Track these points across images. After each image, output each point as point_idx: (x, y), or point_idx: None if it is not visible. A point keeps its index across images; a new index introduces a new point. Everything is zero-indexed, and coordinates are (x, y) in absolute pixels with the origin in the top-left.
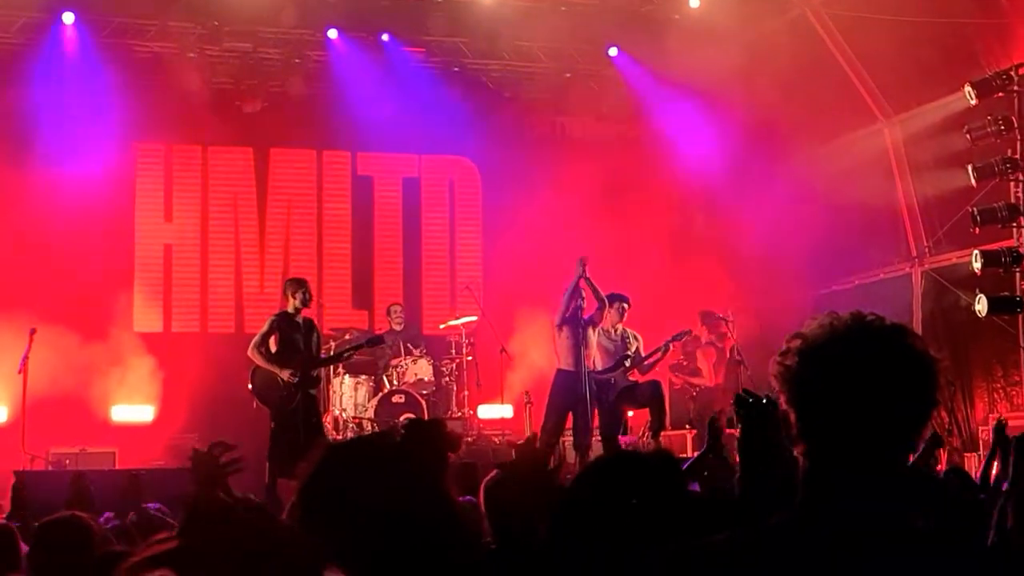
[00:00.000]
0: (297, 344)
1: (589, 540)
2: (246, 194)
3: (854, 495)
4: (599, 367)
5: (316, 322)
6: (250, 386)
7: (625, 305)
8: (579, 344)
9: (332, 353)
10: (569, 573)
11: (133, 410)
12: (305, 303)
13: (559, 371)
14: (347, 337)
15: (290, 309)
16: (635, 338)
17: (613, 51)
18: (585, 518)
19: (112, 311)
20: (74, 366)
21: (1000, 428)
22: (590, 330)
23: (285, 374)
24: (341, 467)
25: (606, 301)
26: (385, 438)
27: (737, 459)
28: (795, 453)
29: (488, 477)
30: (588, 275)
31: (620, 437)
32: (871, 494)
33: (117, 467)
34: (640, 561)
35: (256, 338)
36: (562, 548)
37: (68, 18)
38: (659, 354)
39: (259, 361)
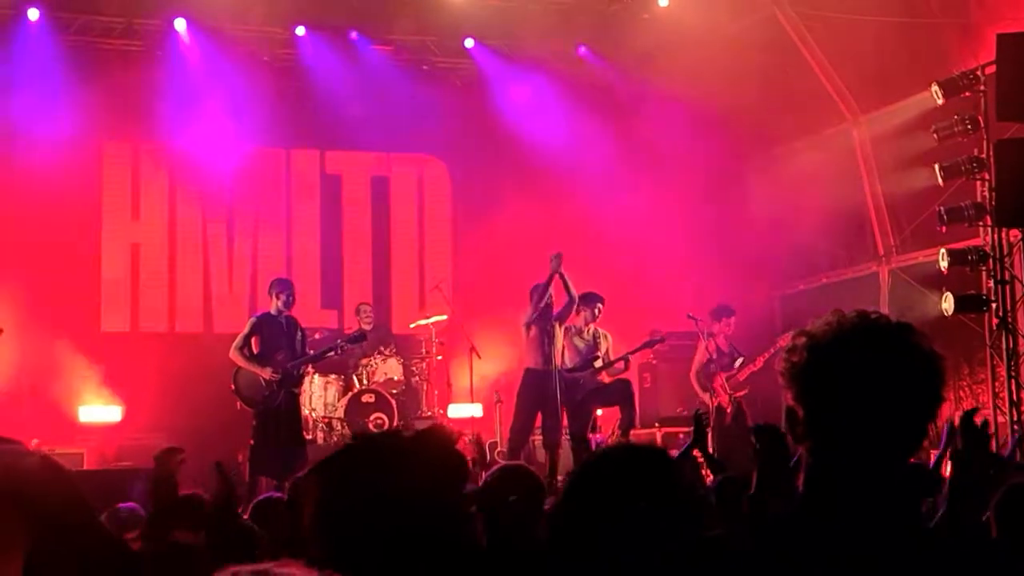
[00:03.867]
0: (279, 344)
1: (591, 536)
2: (214, 193)
3: (860, 491)
4: (568, 366)
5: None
6: (232, 387)
7: (600, 305)
8: (548, 342)
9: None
10: (571, 569)
11: (100, 410)
12: (288, 305)
13: (527, 370)
14: (316, 336)
15: (272, 310)
16: (605, 338)
17: (582, 49)
18: (586, 514)
19: (79, 310)
20: (41, 366)
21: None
22: (557, 327)
23: (266, 373)
24: (376, 459)
25: (576, 298)
26: (437, 432)
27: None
28: (801, 449)
29: (488, 474)
30: (563, 271)
31: (589, 435)
32: (877, 490)
33: (85, 467)
34: (644, 557)
35: (238, 339)
36: (563, 545)
37: (33, 14)
38: (620, 363)
39: (241, 362)
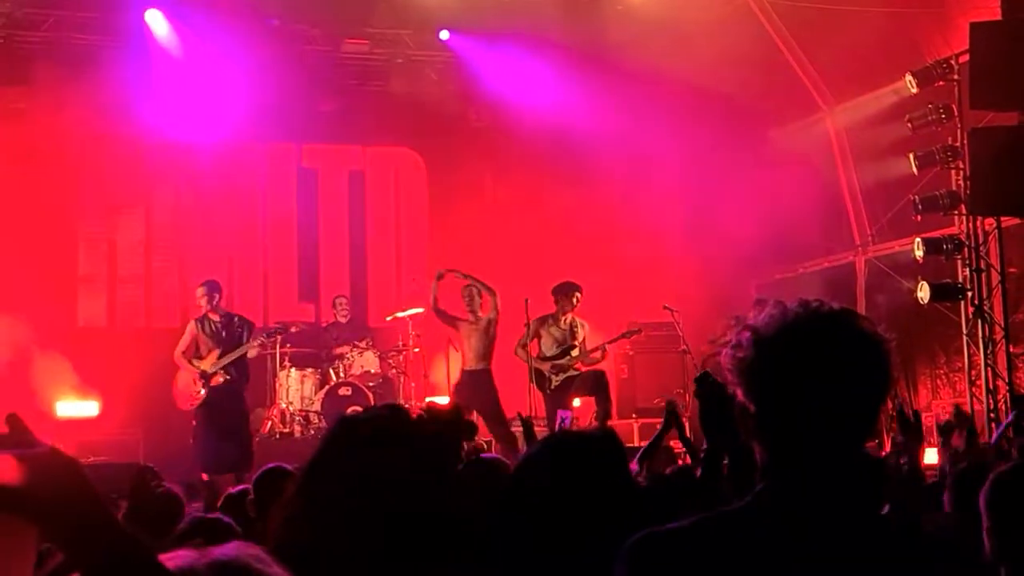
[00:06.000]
0: (213, 343)
1: (537, 523)
2: (190, 188)
3: (816, 483)
4: (546, 354)
5: (244, 317)
6: (172, 388)
7: (578, 294)
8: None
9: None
10: (518, 557)
11: (77, 405)
12: (206, 303)
13: (486, 370)
14: (292, 330)
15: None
16: (582, 326)
17: (555, 39)
18: (531, 501)
19: (55, 305)
20: (17, 361)
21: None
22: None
23: (194, 372)
24: (361, 439)
25: (492, 290)
26: (404, 414)
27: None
28: (753, 444)
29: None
30: (466, 272)
31: (559, 412)
32: (834, 481)
33: None
34: (603, 548)
35: (180, 343)
36: (510, 532)
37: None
38: (597, 353)
39: (180, 364)
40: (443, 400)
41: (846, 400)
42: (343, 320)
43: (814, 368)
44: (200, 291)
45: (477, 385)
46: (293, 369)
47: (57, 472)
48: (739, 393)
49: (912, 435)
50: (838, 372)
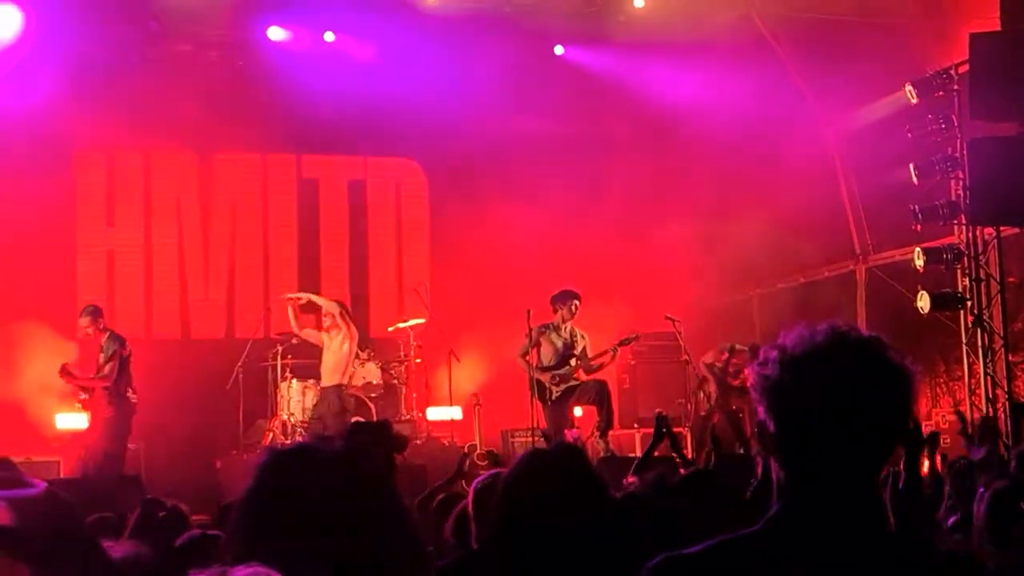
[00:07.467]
0: None
1: (525, 537)
2: (189, 199)
3: (832, 505)
4: (544, 364)
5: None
6: None
7: (576, 302)
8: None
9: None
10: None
11: (77, 418)
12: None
13: (334, 387)
14: (293, 341)
15: None
16: (582, 337)
17: (559, 50)
18: (514, 515)
19: (54, 318)
20: (17, 374)
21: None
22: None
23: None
24: (285, 475)
25: (331, 303)
26: (329, 442)
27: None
28: (771, 462)
29: (479, 478)
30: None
31: (566, 431)
32: (850, 503)
33: (61, 476)
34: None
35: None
36: (504, 548)
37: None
38: (605, 357)
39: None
40: (447, 411)
41: (866, 427)
42: None
43: (835, 391)
44: (84, 320)
45: (324, 401)
46: (294, 380)
47: (50, 514)
48: (760, 410)
49: (911, 442)
50: (859, 397)
